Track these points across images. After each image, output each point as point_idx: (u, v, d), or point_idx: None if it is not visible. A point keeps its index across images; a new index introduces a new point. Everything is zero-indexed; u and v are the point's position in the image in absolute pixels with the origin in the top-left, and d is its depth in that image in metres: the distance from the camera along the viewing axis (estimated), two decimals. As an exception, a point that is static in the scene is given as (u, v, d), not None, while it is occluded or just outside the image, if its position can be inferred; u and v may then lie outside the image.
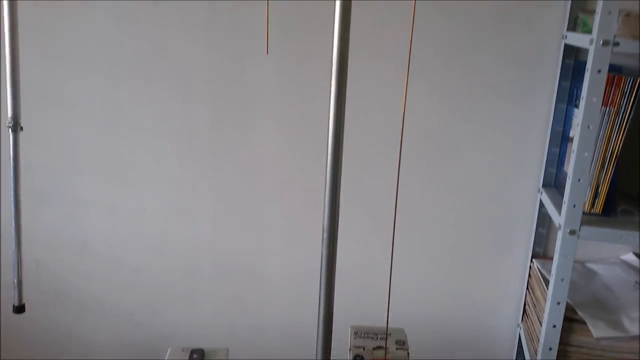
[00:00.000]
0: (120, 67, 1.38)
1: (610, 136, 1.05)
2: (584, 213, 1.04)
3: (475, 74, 1.31)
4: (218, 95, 1.38)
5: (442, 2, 1.27)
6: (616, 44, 0.95)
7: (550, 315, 1.10)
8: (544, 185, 1.32)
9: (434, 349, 1.50)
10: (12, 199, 1.08)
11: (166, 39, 1.35)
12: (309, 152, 1.39)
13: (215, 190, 1.45)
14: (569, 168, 1.03)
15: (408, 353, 1.01)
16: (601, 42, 0.95)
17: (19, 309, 1.12)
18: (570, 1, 1.23)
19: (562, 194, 1.08)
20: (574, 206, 1.04)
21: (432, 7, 1.27)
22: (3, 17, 1.00)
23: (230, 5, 1.32)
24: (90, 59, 1.38)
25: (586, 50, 1.00)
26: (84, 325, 1.60)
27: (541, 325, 1.15)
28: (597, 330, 1.11)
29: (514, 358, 1.46)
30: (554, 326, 1.11)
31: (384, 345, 1.00)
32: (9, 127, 1.04)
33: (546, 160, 1.31)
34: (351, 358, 1.01)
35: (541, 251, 1.37)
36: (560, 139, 1.28)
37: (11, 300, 1.13)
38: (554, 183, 1.31)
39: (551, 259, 1.10)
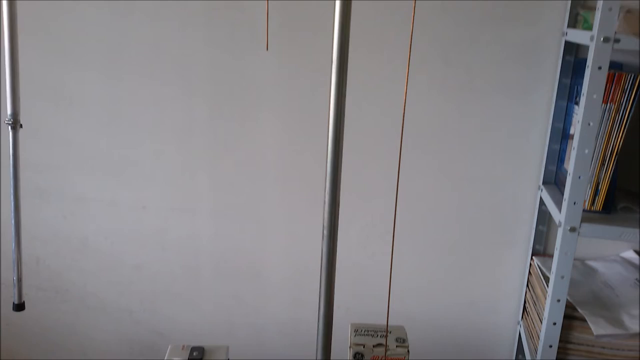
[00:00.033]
0: (120, 63, 1.38)
1: (610, 133, 1.05)
2: (584, 210, 1.04)
3: (476, 70, 1.30)
4: (218, 91, 1.38)
5: (443, -1, 1.27)
6: (617, 41, 0.95)
7: (550, 313, 1.10)
8: (544, 183, 1.32)
9: (434, 347, 1.50)
10: (11, 196, 1.07)
11: (166, 35, 1.35)
12: (309, 148, 1.39)
13: (214, 186, 1.45)
14: (569, 165, 1.03)
15: (408, 350, 1.01)
16: (602, 39, 0.95)
17: (19, 306, 1.12)
18: (570, -2, 1.23)
19: (562, 191, 1.08)
20: (574, 203, 1.04)
21: (433, 3, 1.26)
22: (2, 13, 1.00)
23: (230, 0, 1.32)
24: (89, 55, 1.38)
25: (587, 47, 1.00)
26: (84, 322, 1.60)
27: (541, 322, 1.15)
28: (597, 327, 1.11)
29: (514, 355, 1.46)
30: (554, 323, 1.11)
31: (384, 343, 1.00)
32: (8, 124, 1.04)
33: (546, 158, 1.31)
34: (351, 356, 1.01)
35: (541, 248, 1.37)
36: (561, 136, 1.28)
37: (11, 297, 1.13)
38: (554, 180, 1.31)
39: (551, 256, 1.10)
